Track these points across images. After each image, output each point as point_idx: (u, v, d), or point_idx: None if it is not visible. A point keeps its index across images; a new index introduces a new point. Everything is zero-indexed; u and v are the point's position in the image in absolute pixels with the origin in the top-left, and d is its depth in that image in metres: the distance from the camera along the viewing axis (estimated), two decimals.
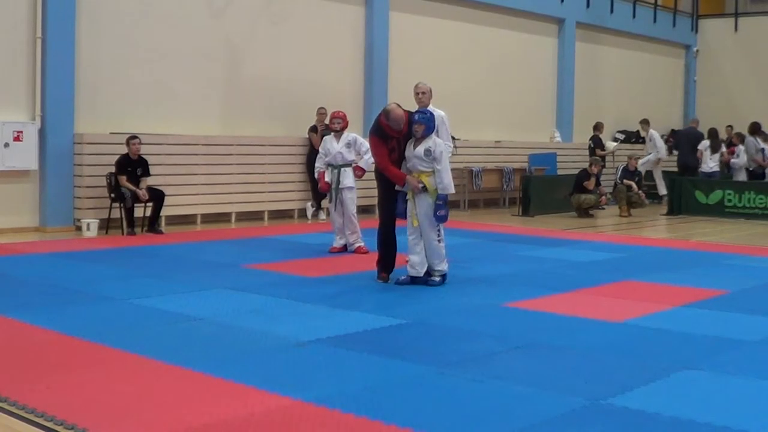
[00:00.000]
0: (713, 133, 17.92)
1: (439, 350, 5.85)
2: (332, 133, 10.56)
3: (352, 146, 10.43)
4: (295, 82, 15.00)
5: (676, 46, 24.34)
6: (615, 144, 19.73)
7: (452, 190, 8.11)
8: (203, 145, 13.54)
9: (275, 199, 14.60)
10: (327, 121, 10.63)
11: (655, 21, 23.09)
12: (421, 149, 8.06)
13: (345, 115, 10.63)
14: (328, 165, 10.45)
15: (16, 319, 6.53)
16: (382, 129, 8.20)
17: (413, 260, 8.24)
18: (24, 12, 11.91)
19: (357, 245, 10.45)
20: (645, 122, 19.80)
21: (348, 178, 10.43)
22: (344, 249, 10.52)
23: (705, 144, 17.76)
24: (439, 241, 8.13)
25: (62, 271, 8.86)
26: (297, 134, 14.85)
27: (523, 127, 19.46)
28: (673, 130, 23.62)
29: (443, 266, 8.22)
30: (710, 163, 17.61)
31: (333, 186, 10.39)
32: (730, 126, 20.12)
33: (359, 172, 10.46)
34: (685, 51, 24.70)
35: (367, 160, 10.15)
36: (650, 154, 19.28)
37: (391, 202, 8.33)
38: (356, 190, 10.64)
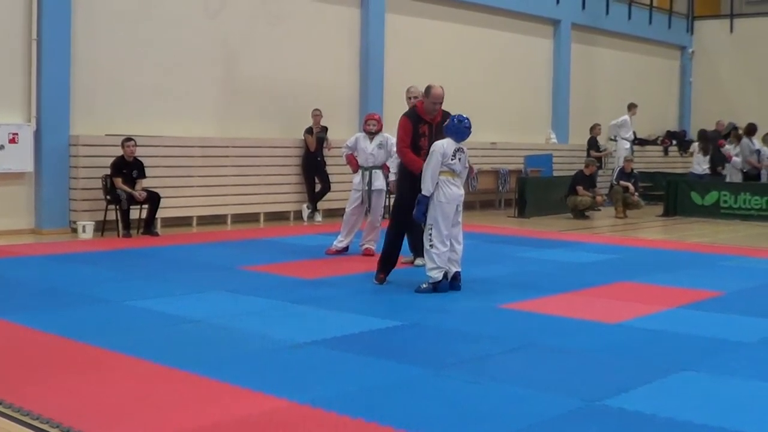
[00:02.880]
0: (702, 135, 17.89)
1: (436, 352, 5.85)
2: (365, 134, 10.52)
3: (384, 146, 10.39)
4: (291, 83, 14.98)
5: (672, 47, 24.36)
6: (612, 146, 19.73)
7: (425, 192, 7.77)
8: (199, 147, 13.51)
9: (271, 201, 14.57)
10: (362, 123, 10.69)
11: (650, 22, 23.09)
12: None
13: (380, 118, 10.69)
14: (360, 167, 10.43)
15: (12, 321, 6.51)
16: (416, 113, 8.25)
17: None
18: (19, 13, 11.88)
19: (367, 246, 10.37)
20: (634, 105, 19.70)
21: (379, 179, 10.42)
22: (343, 251, 10.45)
23: (694, 146, 17.76)
24: (430, 246, 7.85)
25: (58, 274, 8.84)
26: (293, 136, 14.83)
27: (519, 128, 19.44)
28: (668, 131, 23.64)
29: (433, 273, 7.85)
30: (703, 165, 17.61)
31: (364, 188, 10.37)
32: (719, 122, 20.14)
33: (387, 171, 10.43)
34: (681, 52, 24.73)
35: (395, 161, 10.09)
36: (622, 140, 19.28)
37: (410, 205, 8.07)
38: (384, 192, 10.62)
